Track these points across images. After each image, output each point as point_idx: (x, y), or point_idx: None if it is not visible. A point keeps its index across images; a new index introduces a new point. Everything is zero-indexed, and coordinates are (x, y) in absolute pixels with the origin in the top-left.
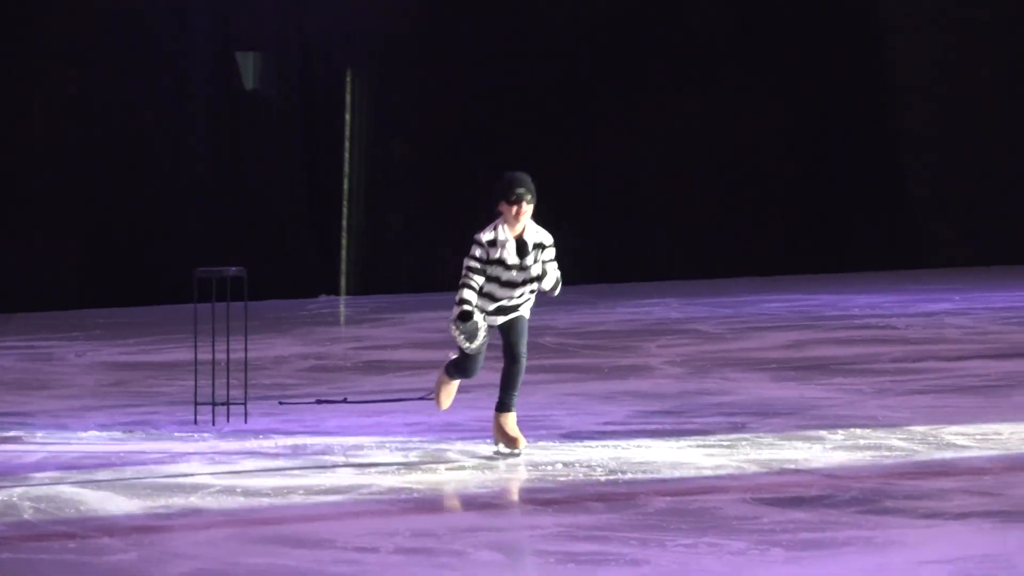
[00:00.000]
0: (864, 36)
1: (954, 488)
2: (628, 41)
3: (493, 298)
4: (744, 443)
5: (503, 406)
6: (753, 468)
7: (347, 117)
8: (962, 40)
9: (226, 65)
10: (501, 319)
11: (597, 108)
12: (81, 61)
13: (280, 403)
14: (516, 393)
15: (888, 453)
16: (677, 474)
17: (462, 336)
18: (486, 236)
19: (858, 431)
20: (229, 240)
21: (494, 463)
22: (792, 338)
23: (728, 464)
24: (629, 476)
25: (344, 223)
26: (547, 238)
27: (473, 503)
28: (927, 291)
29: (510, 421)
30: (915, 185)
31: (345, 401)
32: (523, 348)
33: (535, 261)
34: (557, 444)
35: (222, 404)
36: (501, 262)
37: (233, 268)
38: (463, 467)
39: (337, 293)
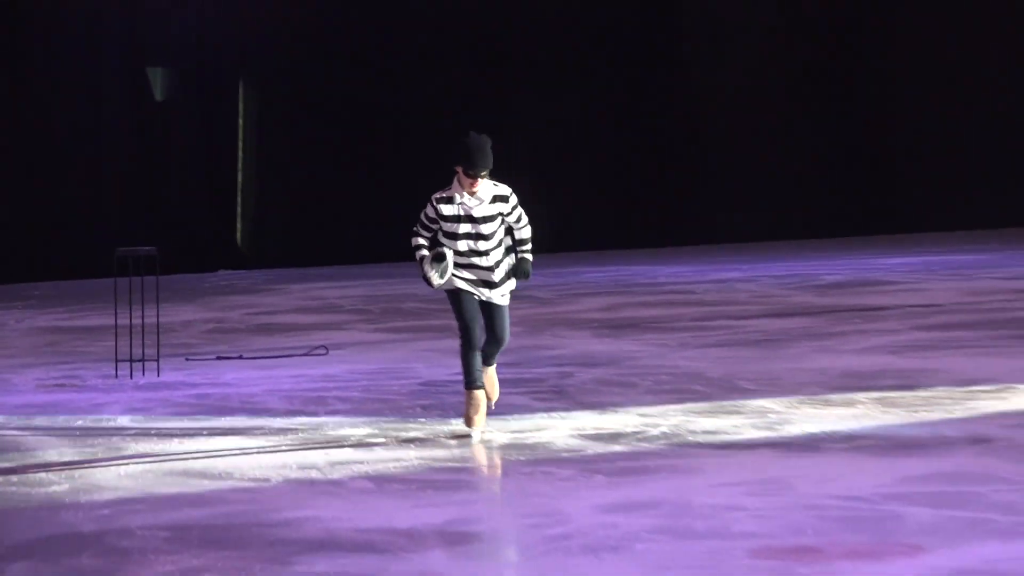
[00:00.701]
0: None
1: (743, 424)
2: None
3: (457, 252)
4: (570, 387)
5: (470, 382)
6: (578, 409)
7: (240, 120)
8: (755, 46)
9: (138, 77)
10: (484, 291)
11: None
12: (21, 71)
13: (187, 359)
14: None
15: (689, 396)
16: (516, 413)
17: (436, 273)
18: (437, 195)
19: (664, 378)
20: (143, 225)
21: (365, 406)
22: (610, 302)
23: (557, 406)
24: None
25: (239, 209)
26: (505, 189)
27: (348, 440)
28: (720, 262)
29: (473, 398)
30: (709, 174)
31: (241, 358)
32: (505, 334)
33: (497, 214)
34: (417, 391)
35: (139, 361)
36: (455, 218)
37: (146, 248)
38: (338, 411)
39: (234, 268)
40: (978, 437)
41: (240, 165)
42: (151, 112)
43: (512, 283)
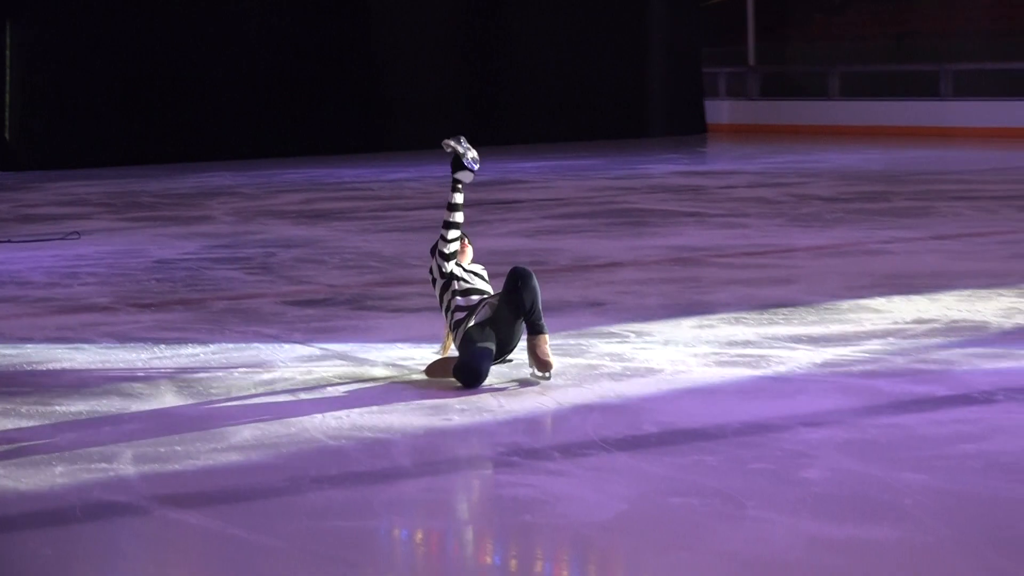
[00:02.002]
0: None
1: (411, 292)
2: None
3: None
4: (274, 264)
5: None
6: (280, 281)
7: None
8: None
9: None
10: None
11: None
12: None
13: None
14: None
15: (368, 271)
16: (231, 285)
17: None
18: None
19: (348, 256)
20: None
21: (110, 280)
22: (305, 197)
23: (264, 279)
24: (199, 287)
25: (7, 124)
26: None
27: (96, 307)
28: (392, 166)
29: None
30: (383, 87)
31: (9, 241)
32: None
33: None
34: (151, 268)
35: None
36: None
37: None
38: (88, 283)
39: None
40: (593, 301)
41: (8, 70)
42: None
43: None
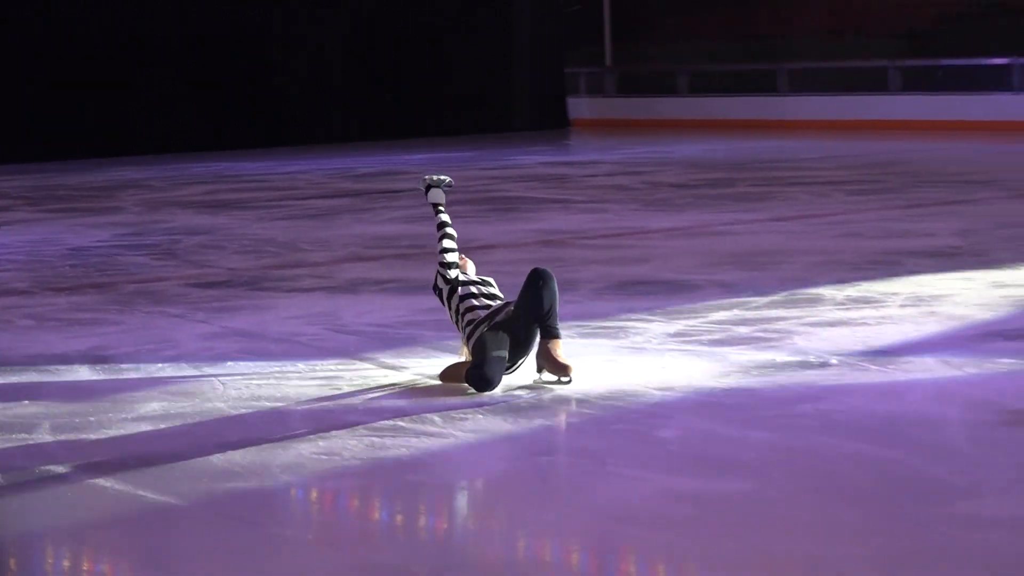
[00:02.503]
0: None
1: (304, 274)
2: None
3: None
4: (179, 250)
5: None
6: (185, 265)
7: None
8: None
9: None
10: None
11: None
12: None
13: None
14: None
15: (265, 255)
16: (139, 270)
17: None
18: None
19: (247, 243)
20: None
21: (28, 266)
22: (207, 188)
23: (169, 264)
24: (110, 271)
25: None
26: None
27: (14, 291)
28: (286, 159)
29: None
30: (279, 93)
31: None
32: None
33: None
34: (66, 255)
35: None
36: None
37: None
38: (8, 269)
39: None
40: None
41: None
42: None
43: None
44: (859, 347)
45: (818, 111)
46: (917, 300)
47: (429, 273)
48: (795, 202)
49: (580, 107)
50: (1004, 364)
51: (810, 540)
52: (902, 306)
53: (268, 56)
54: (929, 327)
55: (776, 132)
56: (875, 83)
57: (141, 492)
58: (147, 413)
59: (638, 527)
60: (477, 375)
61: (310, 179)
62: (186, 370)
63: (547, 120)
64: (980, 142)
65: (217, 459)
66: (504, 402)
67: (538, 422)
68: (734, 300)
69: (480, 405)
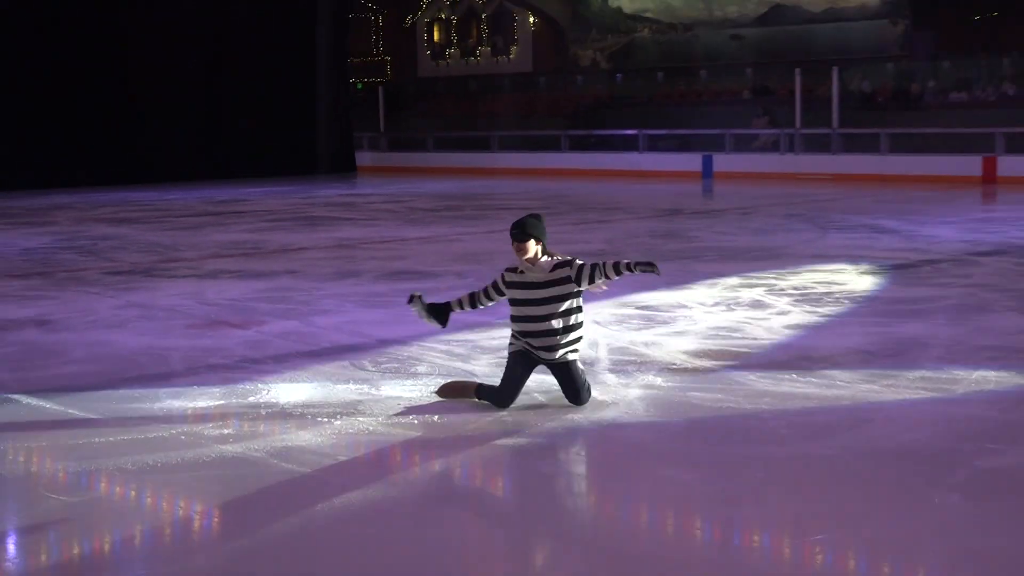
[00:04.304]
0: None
1: (180, 266)
2: None
3: (520, 319)
4: (97, 250)
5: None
6: (101, 260)
7: None
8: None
9: None
10: (545, 355)
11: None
12: None
13: None
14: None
15: (156, 253)
16: (70, 263)
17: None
18: (507, 268)
19: (143, 245)
20: None
21: None
22: (115, 209)
23: (90, 259)
24: (50, 264)
25: None
26: (567, 257)
27: None
28: (168, 190)
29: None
30: (146, 136)
31: None
32: (583, 395)
33: (560, 282)
34: (19, 252)
35: None
36: (517, 284)
37: None
38: None
39: None
40: (291, 270)
41: None
42: None
43: (577, 344)
44: None
45: (515, 162)
46: None
47: (268, 266)
48: (501, 221)
49: (364, 158)
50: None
51: None
52: None
53: (132, 101)
54: None
55: (489, 175)
56: (552, 145)
57: (71, 411)
58: (75, 358)
59: None
60: (496, 397)
61: (184, 203)
62: (102, 330)
63: (341, 166)
64: (617, 183)
65: (122, 391)
66: (309, 351)
67: (333, 362)
68: (464, 282)
69: (297, 352)
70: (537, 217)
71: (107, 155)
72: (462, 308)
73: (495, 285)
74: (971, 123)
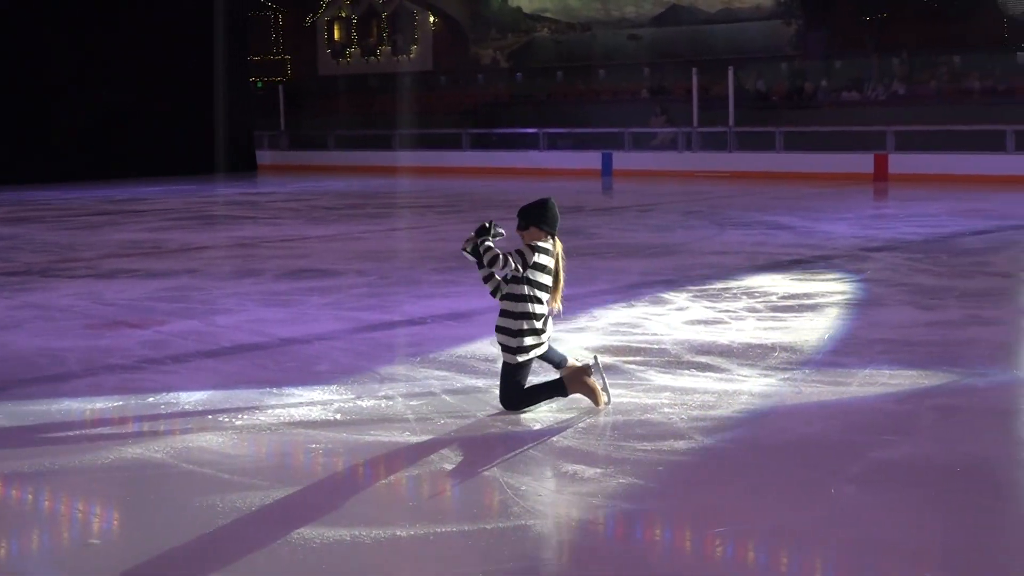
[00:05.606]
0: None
1: (78, 266)
2: None
3: (541, 301)
4: None
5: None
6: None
7: None
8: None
9: None
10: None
11: None
12: None
13: None
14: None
15: (53, 253)
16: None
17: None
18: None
19: (40, 245)
20: None
21: None
22: (10, 209)
23: None
24: None
25: None
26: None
27: None
28: (66, 190)
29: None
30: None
31: None
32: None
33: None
34: None
35: None
36: (544, 268)
37: None
38: None
39: None
40: (192, 268)
41: None
42: None
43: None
44: (445, 311)
45: (415, 160)
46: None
47: (168, 265)
48: (402, 218)
49: (264, 157)
50: None
51: None
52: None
53: (54, 109)
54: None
55: (390, 174)
56: (453, 143)
57: None
58: None
59: None
60: (509, 402)
61: (82, 203)
62: None
63: (241, 165)
64: (518, 181)
65: (17, 389)
66: (209, 349)
67: (236, 362)
68: (367, 279)
69: (200, 352)
70: (539, 203)
71: (2, 154)
72: (480, 261)
73: (522, 259)
74: (863, 121)
